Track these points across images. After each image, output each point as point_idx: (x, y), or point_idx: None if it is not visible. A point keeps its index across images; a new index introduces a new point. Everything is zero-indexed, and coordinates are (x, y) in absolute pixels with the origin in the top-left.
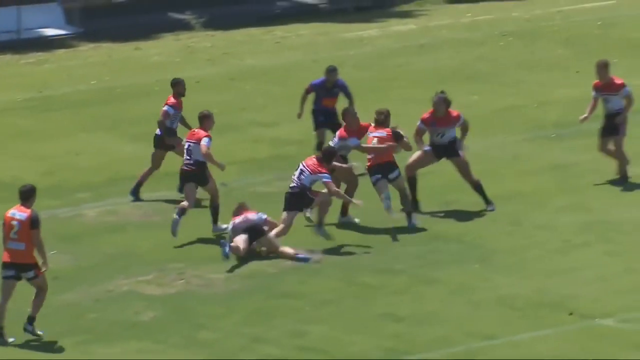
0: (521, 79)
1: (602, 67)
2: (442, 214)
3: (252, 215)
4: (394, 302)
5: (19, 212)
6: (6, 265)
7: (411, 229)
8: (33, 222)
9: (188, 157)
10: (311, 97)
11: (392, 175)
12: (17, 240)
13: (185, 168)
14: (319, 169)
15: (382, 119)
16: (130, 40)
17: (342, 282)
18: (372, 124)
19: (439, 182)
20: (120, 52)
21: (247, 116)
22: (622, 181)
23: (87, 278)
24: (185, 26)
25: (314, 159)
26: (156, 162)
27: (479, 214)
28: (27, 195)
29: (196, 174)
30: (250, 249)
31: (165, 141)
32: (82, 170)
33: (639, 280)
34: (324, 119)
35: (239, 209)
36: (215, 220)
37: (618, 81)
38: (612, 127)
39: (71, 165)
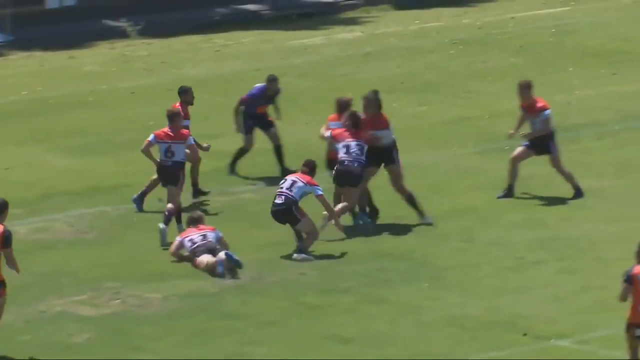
0: (472, 88)
1: (524, 88)
2: (390, 230)
3: (210, 234)
4: (340, 323)
5: None
6: None
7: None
8: (6, 240)
9: (167, 158)
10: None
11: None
12: None
13: (163, 167)
14: (313, 181)
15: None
16: (63, 48)
17: (286, 302)
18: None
19: (386, 197)
20: (53, 61)
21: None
22: (578, 195)
23: (18, 298)
24: (120, 34)
25: (303, 173)
26: None
27: (428, 230)
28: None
29: (171, 174)
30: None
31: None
32: (12, 185)
33: (595, 299)
34: (253, 122)
35: (197, 220)
36: (178, 221)
37: (540, 104)
38: (542, 147)
39: (1, 180)
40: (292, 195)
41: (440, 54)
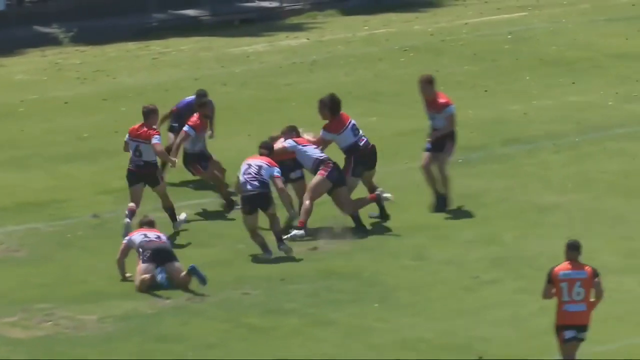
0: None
1: (425, 83)
2: (338, 247)
3: (164, 236)
4: (285, 346)
5: None
6: None
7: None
8: None
9: (137, 158)
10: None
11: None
12: None
13: (134, 169)
14: (273, 162)
15: (266, 153)
16: None
17: (228, 324)
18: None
19: (334, 212)
20: None
21: (122, 140)
22: (440, 205)
23: None
24: (52, 41)
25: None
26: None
27: (378, 247)
28: None
29: (147, 175)
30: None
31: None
32: None
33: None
34: (179, 125)
35: (149, 224)
36: (173, 218)
37: (442, 99)
38: (439, 145)
39: None
40: (265, 179)
41: (391, 62)
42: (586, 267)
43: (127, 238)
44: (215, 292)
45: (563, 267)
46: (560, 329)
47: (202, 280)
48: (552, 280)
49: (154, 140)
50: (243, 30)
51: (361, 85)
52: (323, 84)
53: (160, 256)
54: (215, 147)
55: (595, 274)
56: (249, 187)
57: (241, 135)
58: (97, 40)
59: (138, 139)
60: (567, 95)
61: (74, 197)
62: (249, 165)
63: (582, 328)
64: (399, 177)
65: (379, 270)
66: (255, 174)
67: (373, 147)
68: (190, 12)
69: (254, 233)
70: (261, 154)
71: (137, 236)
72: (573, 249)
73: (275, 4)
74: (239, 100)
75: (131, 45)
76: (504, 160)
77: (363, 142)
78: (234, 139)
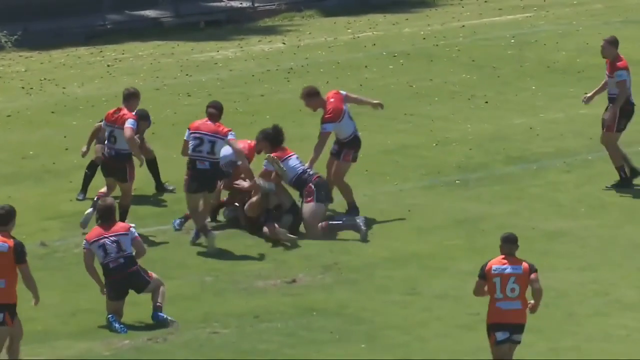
0: (416, 111)
1: (308, 96)
2: (318, 280)
3: (124, 239)
4: None
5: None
6: None
7: None
8: (19, 255)
9: (110, 145)
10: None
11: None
12: None
13: (105, 159)
14: (222, 128)
15: None
16: None
17: None
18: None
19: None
20: None
21: (73, 158)
22: (353, 212)
23: None
24: None
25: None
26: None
27: (364, 279)
28: (6, 219)
29: (117, 168)
30: None
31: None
32: None
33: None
34: None
35: (108, 214)
36: (123, 220)
37: (330, 106)
38: (339, 151)
39: None
40: (217, 159)
41: (377, 69)
42: (523, 263)
43: (85, 243)
44: (180, 331)
45: (497, 261)
46: (491, 328)
47: (164, 323)
48: (484, 275)
49: (127, 124)
50: (210, 34)
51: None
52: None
53: (122, 290)
54: (179, 166)
55: (532, 270)
56: (198, 165)
57: None
58: (44, 45)
59: (113, 124)
60: (577, 107)
61: (18, 222)
62: (201, 142)
63: (517, 328)
64: (388, 200)
65: (364, 306)
66: (208, 153)
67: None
68: (150, 12)
69: (196, 213)
70: (210, 115)
71: (98, 251)
72: (508, 242)
73: (246, 4)
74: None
75: (83, 51)
76: (507, 181)
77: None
78: None
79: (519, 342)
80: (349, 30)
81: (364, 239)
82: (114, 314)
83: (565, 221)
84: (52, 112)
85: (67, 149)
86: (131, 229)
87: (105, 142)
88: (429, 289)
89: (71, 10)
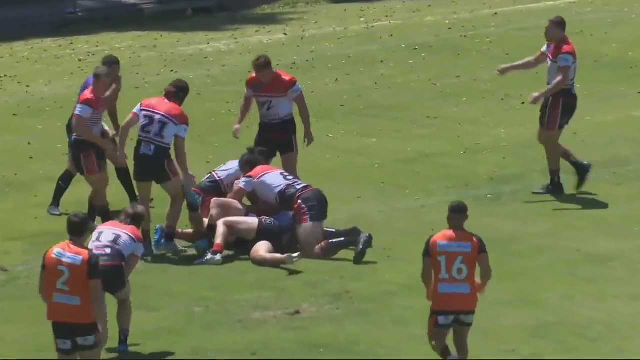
0: (440, 113)
1: (261, 67)
2: (324, 311)
3: (124, 239)
4: None
5: (69, 254)
6: (59, 330)
7: None
8: (92, 269)
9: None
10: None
11: None
12: (67, 292)
13: (69, 147)
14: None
15: None
16: None
17: None
18: None
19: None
20: None
21: (38, 168)
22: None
23: None
24: None
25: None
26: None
27: (378, 310)
28: (80, 228)
29: (75, 158)
30: None
31: None
32: None
33: None
34: None
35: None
36: (92, 218)
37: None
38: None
39: None
40: (165, 144)
41: (395, 64)
42: (473, 239)
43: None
44: None
45: (443, 235)
46: (435, 313)
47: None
48: (430, 252)
49: (76, 110)
50: (198, 23)
51: (356, 95)
52: (306, 93)
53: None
54: None
55: (481, 248)
56: (142, 149)
57: (196, 161)
58: (5, 36)
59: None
60: (630, 108)
61: None
62: (152, 122)
63: (465, 311)
64: (407, 217)
65: (379, 341)
66: (156, 134)
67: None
68: None
69: (145, 205)
70: (167, 93)
71: (94, 234)
72: (457, 212)
73: None
74: (194, 114)
75: (49, 43)
76: (546, 196)
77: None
78: (192, 166)
79: (469, 325)
80: (362, 19)
81: (357, 259)
82: None
83: (615, 242)
84: (14, 115)
85: (31, 158)
86: (140, 243)
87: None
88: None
89: None
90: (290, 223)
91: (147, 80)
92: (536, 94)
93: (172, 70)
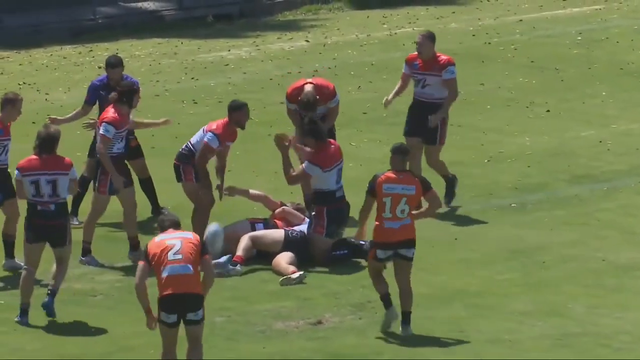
0: (464, 121)
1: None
2: (345, 321)
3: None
4: None
5: (179, 233)
6: (169, 302)
7: None
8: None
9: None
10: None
11: None
12: (181, 261)
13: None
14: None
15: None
16: None
17: None
18: None
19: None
20: None
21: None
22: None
23: None
24: None
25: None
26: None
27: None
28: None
29: None
30: None
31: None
32: None
33: None
34: None
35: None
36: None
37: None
38: None
39: None
40: (192, 148)
41: None
42: (415, 181)
43: (17, 173)
44: None
45: (388, 177)
46: (375, 245)
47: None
48: (374, 192)
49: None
50: (219, 30)
51: (379, 103)
52: None
53: (41, 236)
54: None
55: (426, 187)
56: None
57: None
58: (23, 43)
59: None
60: None
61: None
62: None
63: (404, 244)
64: (430, 226)
65: (402, 352)
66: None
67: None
68: (149, 5)
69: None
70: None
71: (28, 183)
72: (399, 153)
73: None
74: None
75: (69, 50)
76: (571, 205)
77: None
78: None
79: (410, 259)
80: (385, 26)
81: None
82: (29, 264)
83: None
84: (33, 123)
85: None
86: (73, 167)
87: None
88: (477, 332)
89: (55, 2)
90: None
91: (167, 88)
92: (433, 117)
93: (192, 78)
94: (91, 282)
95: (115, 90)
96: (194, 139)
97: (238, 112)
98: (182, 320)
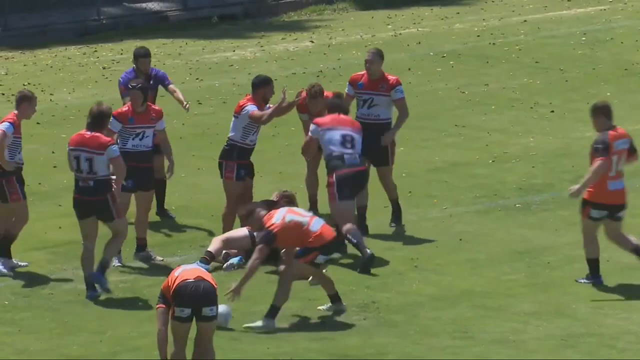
0: (468, 122)
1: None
2: (350, 321)
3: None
4: None
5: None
6: (184, 291)
7: None
8: None
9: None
10: None
11: None
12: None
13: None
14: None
15: None
16: None
17: None
18: None
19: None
20: None
21: (62, 177)
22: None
23: None
24: None
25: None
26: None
27: (407, 321)
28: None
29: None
30: None
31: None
32: None
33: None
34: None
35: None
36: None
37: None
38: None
39: None
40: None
41: (423, 72)
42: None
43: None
44: None
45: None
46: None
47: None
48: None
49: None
50: (224, 30)
51: None
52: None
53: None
54: (186, 188)
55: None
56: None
57: (215, 172)
58: (28, 43)
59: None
60: None
61: None
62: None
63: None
64: (434, 227)
65: (407, 352)
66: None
67: None
68: (153, 5)
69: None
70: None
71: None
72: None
73: None
74: (219, 125)
75: (73, 50)
76: (577, 205)
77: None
78: (210, 180)
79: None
80: (389, 26)
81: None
82: (85, 239)
83: None
84: (38, 123)
85: (55, 167)
86: (111, 146)
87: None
88: (483, 332)
89: (60, 3)
90: None
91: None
92: (386, 135)
93: (197, 79)
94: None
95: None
96: (231, 132)
97: (264, 88)
98: (195, 318)
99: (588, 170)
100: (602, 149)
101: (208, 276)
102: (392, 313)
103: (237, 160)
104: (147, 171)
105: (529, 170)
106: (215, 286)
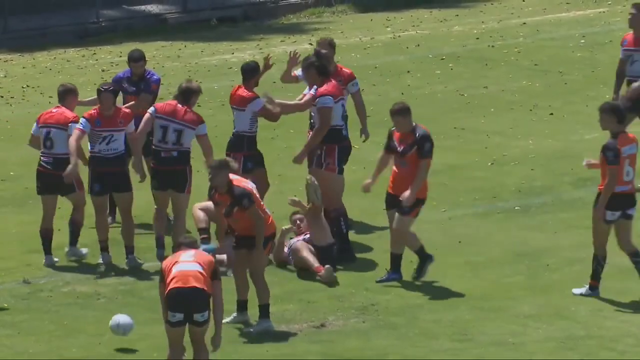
0: (467, 124)
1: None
2: (348, 323)
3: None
4: None
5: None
6: (175, 297)
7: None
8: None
9: (46, 151)
10: None
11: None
12: (191, 262)
13: (42, 168)
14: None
15: None
16: None
17: None
18: None
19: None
20: None
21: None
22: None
23: None
24: None
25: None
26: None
27: (407, 324)
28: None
29: (56, 177)
30: None
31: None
32: None
33: None
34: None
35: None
36: (73, 241)
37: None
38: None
39: None
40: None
41: (422, 75)
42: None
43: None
44: None
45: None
46: None
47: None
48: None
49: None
50: (223, 33)
51: (382, 106)
52: None
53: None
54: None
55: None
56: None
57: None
58: (27, 46)
59: (50, 123)
60: None
61: None
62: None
63: None
64: (435, 229)
65: (407, 355)
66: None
67: None
68: (152, 7)
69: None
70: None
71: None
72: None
73: None
74: (218, 127)
75: (72, 53)
76: (576, 208)
77: None
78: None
79: None
80: (389, 29)
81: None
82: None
83: None
84: None
85: None
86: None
87: (42, 147)
88: (483, 334)
89: (59, 5)
90: None
91: (170, 91)
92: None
93: (195, 81)
94: (95, 285)
95: (137, 84)
96: (237, 126)
97: (256, 75)
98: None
99: (605, 184)
100: (612, 157)
101: (201, 281)
102: (391, 315)
103: (246, 152)
104: (116, 175)
105: (528, 172)
106: (208, 292)
